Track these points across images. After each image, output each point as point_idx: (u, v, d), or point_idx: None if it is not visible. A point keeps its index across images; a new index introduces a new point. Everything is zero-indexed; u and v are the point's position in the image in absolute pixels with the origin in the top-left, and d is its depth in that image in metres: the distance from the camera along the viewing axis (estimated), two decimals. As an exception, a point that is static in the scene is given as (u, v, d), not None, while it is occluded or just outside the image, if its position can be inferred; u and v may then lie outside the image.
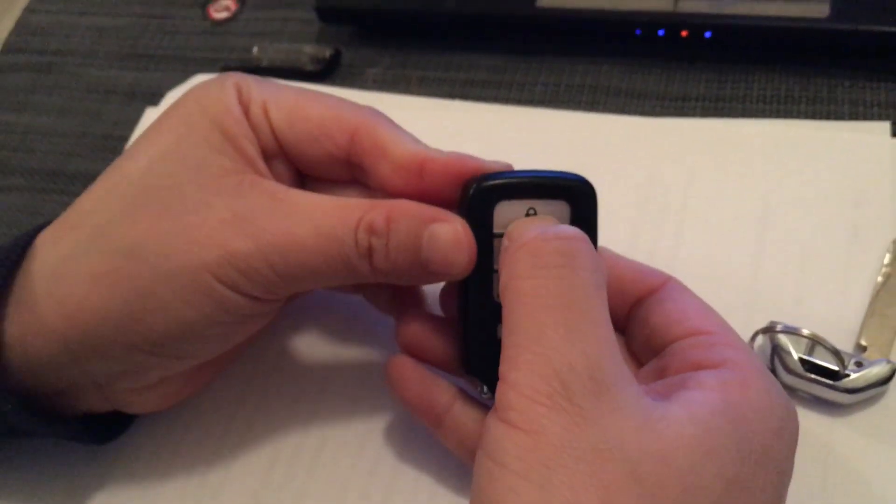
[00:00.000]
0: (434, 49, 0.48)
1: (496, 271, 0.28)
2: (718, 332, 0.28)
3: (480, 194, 0.28)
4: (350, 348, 0.37)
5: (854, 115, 0.41)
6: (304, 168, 0.31)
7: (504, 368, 0.25)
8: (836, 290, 0.35)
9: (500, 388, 0.24)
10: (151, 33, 0.53)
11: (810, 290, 0.35)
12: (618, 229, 0.37)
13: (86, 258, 0.29)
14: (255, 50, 0.50)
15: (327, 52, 0.48)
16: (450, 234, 0.27)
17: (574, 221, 0.28)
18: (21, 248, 0.30)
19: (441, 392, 0.30)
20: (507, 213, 0.28)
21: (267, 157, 0.31)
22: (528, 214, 0.28)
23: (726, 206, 0.38)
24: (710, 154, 0.40)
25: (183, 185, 0.28)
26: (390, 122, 0.30)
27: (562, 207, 0.28)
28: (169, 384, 0.32)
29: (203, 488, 0.34)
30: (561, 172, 0.29)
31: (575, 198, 0.28)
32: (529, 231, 0.26)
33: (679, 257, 0.37)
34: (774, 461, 0.25)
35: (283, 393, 0.36)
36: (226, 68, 0.49)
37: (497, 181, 0.28)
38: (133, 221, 0.28)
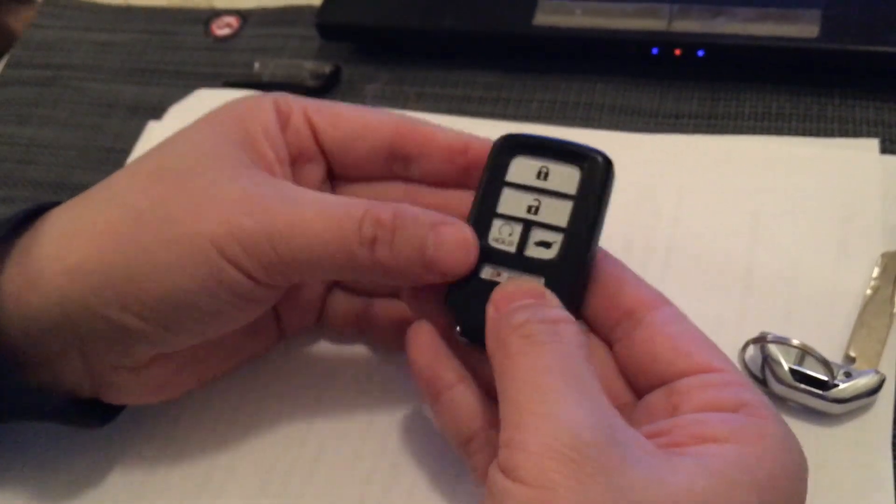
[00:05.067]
0: (432, 66, 0.49)
1: (497, 215, 0.29)
2: (728, 369, 0.27)
3: (503, 144, 0.30)
4: (351, 350, 0.37)
5: (843, 133, 0.41)
6: (342, 167, 0.33)
7: (508, 434, 0.24)
8: (824, 302, 0.35)
9: (505, 452, 0.24)
10: (154, 49, 0.54)
11: (800, 303, 0.35)
12: (610, 242, 0.38)
13: (92, 220, 0.30)
14: (256, 66, 0.50)
15: (327, 68, 0.49)
16: (458, 234, 0.28)
17: (580, 189, 0.29)
18: (31, 211, 0.31)
19: (449, 369, 0.30)
20: (522, 168, 0.30)
21: (301, 160, 0.32)
22: (539, 174, 0.29)
23: (717, 220, 0.39)
24: (701, 169, 0.40)
25: (199, 167, 0.30)
26: (428, 120, 0.33)
27: (572, 173, 0.29)
28: (155, 371, 0.32)
29: (205, 491, 0.34)
30: (584, 145, 0.30)
31: (587, 167, 0.29)
32: (518, 314, 0.26)
33: (671, 270, 0.37)
34: None
35: (281, 399, 0.36)
36: (227, 84, 0.50)
37: (520, 137, 0.30)
38: (144, 191, 0.29)
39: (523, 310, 0.26)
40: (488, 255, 0.29)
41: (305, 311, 0.36)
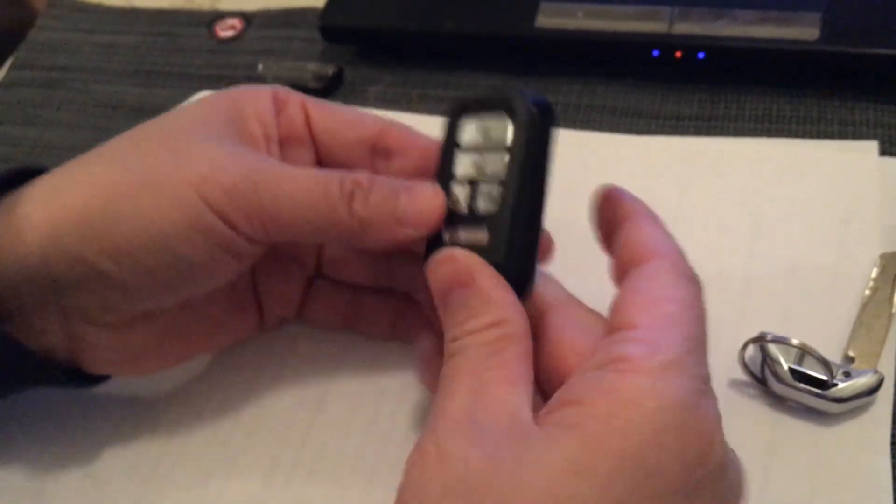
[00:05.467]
0: (434, 68, 0.49)
1: (453, 178, 0.31)
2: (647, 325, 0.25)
3: (453, 108, 0.31)
4: (351, 350, 0.37)
5: (843, 135, 0.42)
6: (329, 153, 0.34)
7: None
8: (824, 303, 0.35)
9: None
10: (158, 51, 0.54)
11: (799, 303, 0.35)
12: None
13: (78, 174, 0.31)
14: (259, 67, 0.51)
15: (330, 70, 0.49)
16: (427, 190, 0.30)
17: (514, 139, 0.29)
18: (15, 171, 0.32)
19: None
20: (469, 129, 0.31)
21: (292, 142, 0.34)
22: (483, 132, 0.30)
23: (716, 221, 0.39)
24: (700, 170, 0.41)
25: (188, 132, 0.31)
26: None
27: (505, 124, 0.30)
28: (132, 334, 0.32)
29: (206, 491, 0.34)
30: (517, 92, 0.30)
31: (516, 116, 0.30)
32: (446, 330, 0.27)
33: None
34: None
35: (283, 398, 0.37)
36: (231, 85, 0.50)
37: (465, 98, 0.31)
38: (132, 149, 0.31)
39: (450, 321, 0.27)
40: (451, 218, 0.30)
41: (287, 298, 0.36)
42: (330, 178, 0.30)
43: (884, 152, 0.40)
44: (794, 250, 0.37)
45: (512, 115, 0.29)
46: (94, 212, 0.29)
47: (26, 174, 0.32)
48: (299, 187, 0.29)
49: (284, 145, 0.34)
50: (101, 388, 0.35)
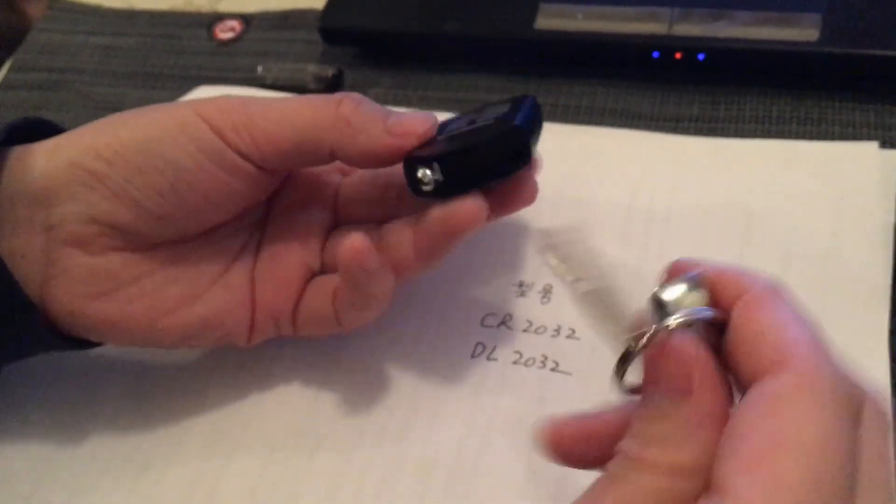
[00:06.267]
0: (434, 70, 0.49)
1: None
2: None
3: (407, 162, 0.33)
4: (348, 349, 0.38)
5: (844, 136, 0.42)
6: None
7: None
8: (818, 294, 0.35)
9: None
10: (158, 53, 0.54)
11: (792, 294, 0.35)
12: (604, 238, 0.38)
13: (85, 125, 0.33)
14: (259, 69, 0.51)
15: (330, 72, 0.49)
16: (418, 113, 0.32)
17: (514, 102, 0.33)
18: (29, 121, 0.34)
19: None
20: (454, 122, 0.34)
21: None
22: (472, 115, 0.34)
23: (711, 213, 0.39)
24: (696, 166, 0.41)
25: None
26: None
27: (505, 103, 0.33)
28: (108, 264, 0.32)
29: (199, 484, 0.35)
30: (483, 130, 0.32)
31: (515, 99, 0.34)
32: None
33: (665, 263, 0.37)
34: None
35: (279, 393, 0.37)
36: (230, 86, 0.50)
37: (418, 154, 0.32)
38: (133, 110, 0.33)
39: None
40: (443, 126, 0.33)
41: (281, 296, 0.35)
42: (323, 97, 0.32)
43: (884, 153, 0.40)
44: (787, 243, 0.37)
45: (506, 99, 0.34)
46: (97, 128, 0.32)
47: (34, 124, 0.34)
48: (289, 105, 0.32)
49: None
50: (98, 372, 0.35)
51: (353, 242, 0.30)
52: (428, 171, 0.31)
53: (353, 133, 0.31)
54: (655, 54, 0.45)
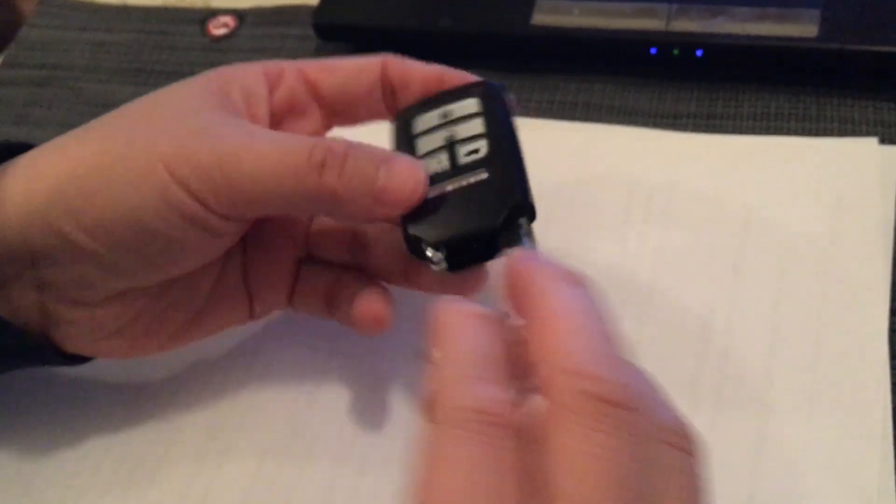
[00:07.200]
0: (430, 66, 0.49)
1: (422, 156, 0.32)
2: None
3: (399, 116, 0.33)
4: (341, 350, 0.37)
5: (842, 132, 0.41)
6: (341, 109, 0.35)
7: None
8: (816, 290, 0.35)
9: None
10: (151, 49, 0.54)
11: (791, 290, 0.36)
12: (605, 234, 0.38)
13: (60, 144, 0.31)
14: (253, 66, 0.50)
15: (324, 68, 0.49)
16: (409, 165, 0.30)
17: (484, 105, 0.32)
18: (8, 144, 0.32)
19: None
20: (424, 121, 0.33)
21: (293, 114, 0.34)
22: (442, 116, 0.32)
23: (710, 208, 0.39)
24: (695, 162, 0.41)
25: (164, 106, 0.32)
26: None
27: (470, 102, 0.32)
28: (109, 314, 0.32)
29: (193, 487, 0.34)
30: (469, 82, 0.33)
31: (480, 91, 0.33)
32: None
33: (663, 259, 0.37)
34: None
35: (274, 392, 0.36)
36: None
37: (410, 106, 0.33)
38: (113, 122, 0.32)
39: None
40: (434, 178, 0.31)
41: (277, 285, 0.35)
42: (299, 147, 0.29)
43: (884, 150, 0.40)
44: (787, 237, 0.37)
45: (472, 92, 0.32)
46: (70, 186, 0.29)
47: (10, 150, 0.32)
48: (266, 161, 0.29)
49: (284, 120, 0.34)
50: (90, 373, 0.35)
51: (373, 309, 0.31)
52: (438, 254, 0.30)
53: (340, 204, 0.29)
54: (653, 50, 0.45)
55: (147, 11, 0.56)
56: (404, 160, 0.30)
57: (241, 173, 0.28)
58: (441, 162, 0.31)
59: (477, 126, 0.31)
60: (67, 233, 0.29)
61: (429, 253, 0.30)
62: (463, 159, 0.31)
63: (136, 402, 0.37)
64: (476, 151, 0.31)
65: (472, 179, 0.30)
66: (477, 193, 0.30)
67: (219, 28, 0.54)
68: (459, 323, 0.24)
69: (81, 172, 0.30)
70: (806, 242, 0.37)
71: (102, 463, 0.35)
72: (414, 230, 0.30)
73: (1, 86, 0.54)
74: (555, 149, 0.42)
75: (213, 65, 0.51)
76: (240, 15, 0.54)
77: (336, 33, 0.50)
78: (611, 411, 0.20)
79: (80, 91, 0.52)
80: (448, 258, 0.30)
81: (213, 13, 0.55)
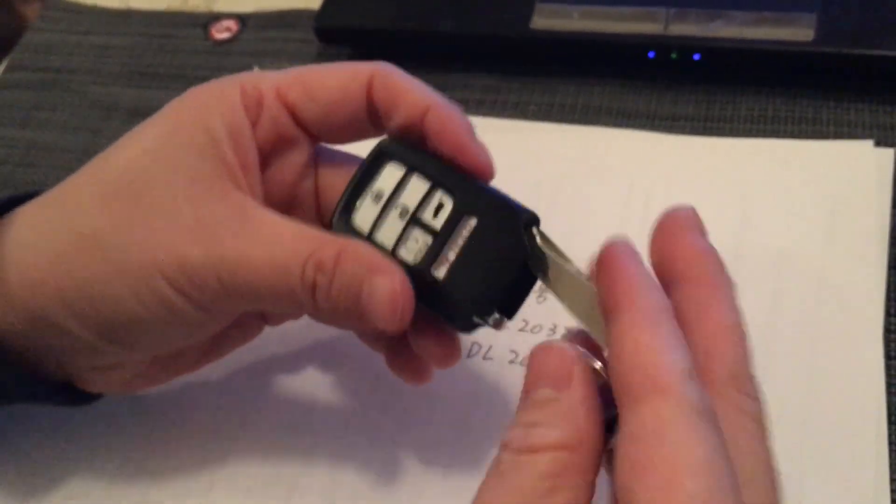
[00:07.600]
0: (430, 69, 0.49)
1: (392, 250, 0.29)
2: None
3: (336, 223, 0.30)
4: (341, 348, 0.37)
5: (839, 135, 0.42)
6: (326, 136, 0.32)
7: None
8: (810, 294, 0.36)
9: None
10: (154, 52, 0.54)
11: (788, 293, 0.36)
12: (602, 236, 0.38)
13: (54, 235, 0.30)
14: (255, 69, 0.51)
15: (326, 72, 0.49)
16: (387, 289, 0.28)
17: (415, 168, 0.29)
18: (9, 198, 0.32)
19: None
20: (364, 215, 0.30)
21: (281, 146, 0.31)
22: (381, 202, 0.29)
23: (707, 210, 0.39)
24: (692, 164, 0.41)
25: (156, 183, 0.29)
26: (401, 72, 0.32)
27: (394, 168, 0.30)
28: (127, 370, 0.32)
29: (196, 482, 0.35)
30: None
31: (391, 154, 0.30)
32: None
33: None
34: None
35: (271, 405, 0.37)
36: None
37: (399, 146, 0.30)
38: (102, 208, 0.29)
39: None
40: (428, 261, 0.28)
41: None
42: (294, 263, 0.28)
43: (879, 153, 0.40)
44: (781, 241, 0.37)
45: (381, 157, 0.30)
46: (71, 293, 0.29)
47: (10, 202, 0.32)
48: (261, 275, 0.28)
49: (272, 155, 0.32)
50: None
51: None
52: (494, 316, 0.28)
53: (329, 320, 0.30)
54: (651, 54, 0.45)
55: (150, 15, 0.56)
56: (386, 281, 0.28)
57: (236, 283, 0.28)
58: (419, 241, 0.29)
59: (419, 185, 0.29)
60: (76, 332, 0.30)
61: (487, 320, 0.28)
62: (438, 223, 0.28)
63: (136, 402, 0.37)
64: (441, 206, 0.28)
65: (465, 232, 0.28)
66: (482, 240, 0.28)
67: (221, 32, 0.54)
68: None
69: (79, 282, 0.29)
70: (802, 244, 0.37)
71: (106, 464, 0.35)
72: (462, 316, 0.28)
73: (6, 89, 0.54)
74: (553, 151, 0.43)
75: (215, 68, 0.52)
76: (242, 19, 0.55)
77: (337, 37, 0.51)
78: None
79: (83, 94, 0.53)
80: (502, 311, 0.28)
81: (216, 17, 0.55)
